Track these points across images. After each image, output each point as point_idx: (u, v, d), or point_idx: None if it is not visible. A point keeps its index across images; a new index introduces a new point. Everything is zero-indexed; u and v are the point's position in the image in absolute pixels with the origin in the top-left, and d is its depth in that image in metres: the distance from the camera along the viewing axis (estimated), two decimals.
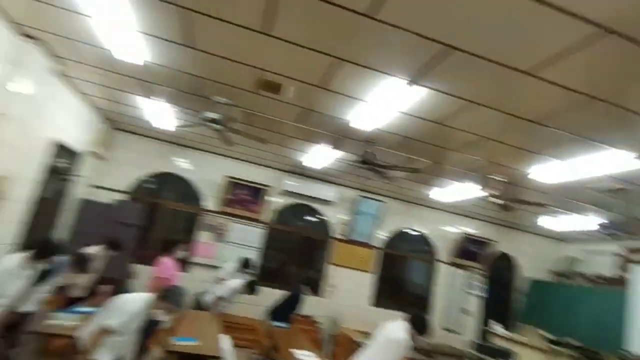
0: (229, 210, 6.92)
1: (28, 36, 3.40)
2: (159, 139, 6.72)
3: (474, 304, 7.88)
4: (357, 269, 7.44)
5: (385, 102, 3.34)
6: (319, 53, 2.83)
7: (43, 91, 3.86)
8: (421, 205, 7.82)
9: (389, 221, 7.64)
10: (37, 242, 3.07)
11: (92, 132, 5.67)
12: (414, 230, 7.94)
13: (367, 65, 2.89)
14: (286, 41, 2.75)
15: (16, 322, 3.28)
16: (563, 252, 8.32)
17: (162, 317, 2.75)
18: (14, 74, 3.36)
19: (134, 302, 2.68)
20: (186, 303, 2.88)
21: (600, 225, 5.37)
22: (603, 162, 3.66)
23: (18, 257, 2.78)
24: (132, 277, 6.09)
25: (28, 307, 3.29)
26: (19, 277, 2.75)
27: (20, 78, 3.41)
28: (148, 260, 6.38)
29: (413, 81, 2.95)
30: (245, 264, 5.51)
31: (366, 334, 6.67)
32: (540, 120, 3.18)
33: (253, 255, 6.69)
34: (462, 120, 3.51)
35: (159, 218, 6.86)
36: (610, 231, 5.36)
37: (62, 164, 5.01)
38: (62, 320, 3.00)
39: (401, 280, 7.99)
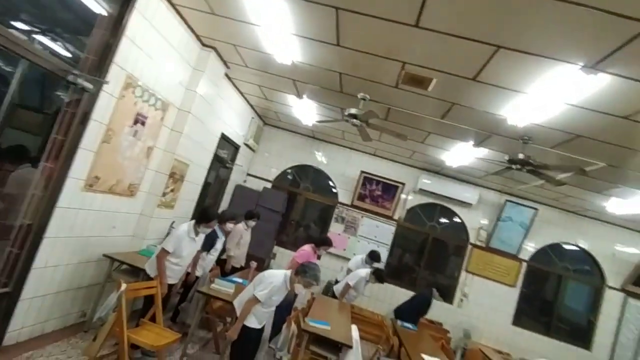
0: (361, 204, 7.03)
1: (208, 46, 4.05)
2: (301, 134, 7.26)
3: None
4: (498, 281, 6.69)
5: (552, 93, 2.86)
6: (472, 41, 2.57)
7: (216, 92, 4.55)
8: (586, 216, 6.55)
9: (541, 231, 6.64)
10: (200, 210, 3.66)
11: (247, 127, 6.47)
12: (575, 246, 6.70)
13: (532, 52, 2.50)
14: (434, 31, 2.59)
15: (190, 283, 3.99)
16: None
17: (301, 290, 2.97)
18: (198, 78, 4.05)
19: (277, 276, 2.95)
20: (321, 282, 3.04)
21: None
22: None
23: (188, 224, 3.35)
24: (273, 257, 6.78)
25: (198, 271, 3.97)
26: (190, 242, 3.32)
27: (202, 82, 4.09)
28: (287, 244, 7.03)
29: (590, 67, 2.44)
30: (373, 256, 5.51)
31: (506, 355, 5.98)
32: None
33: (382, 251, 6.68)
34: None
35: (298, 207, 7.43)
36: None
37: (224, 154, 5.85)
38: (221, 287, 3.50)
39: (552, 301, 6.85)
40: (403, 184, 6.86)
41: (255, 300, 2.88)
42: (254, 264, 4.57)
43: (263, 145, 7.33)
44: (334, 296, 5.20)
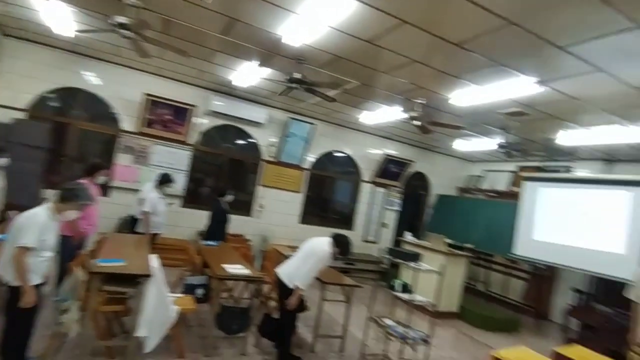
0: (149, 131, 6.47)
1: None
2: (61, 49, 5.80)
3: (391, 218, 8.78)
4: (287, 190, 7.70)
5: (317, 14, 3.21)
6: None
7: None
8: (349, 128, 8.07)
9: (318, 143, 7.83)
10: None
11: None
12: (342, 153, 8.28)
13: None
14: None
15: None
16: (468, 171, 9.42)
17: (74, 215, 2.74)
18: None
19: (39, 214, 2.53)
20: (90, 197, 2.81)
21: (499, 145, 6.07)
22: (510, 87, 4.05)
23: None
24: (43, 203, 5.62)
25: None
26: None
27: None
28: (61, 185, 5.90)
29: None
30: (163, 179, 5.28)
31: (294, 248, 7.20)
32: (463, 43, 3.34)
33: (180, 178, 6.53)
34: (391, 40, 3.54)
35: (70, 140, 6.21)
36: (506, 151, 6.10)
37: None
38: None
39: (328, 199, 8.48)
40: (194, 106, 6.62)
41: (24, 249, 2.42)
42: (13, 214, 3.70)
43: (6, 63, 5.53)
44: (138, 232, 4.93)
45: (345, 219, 8.46)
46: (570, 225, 5.94)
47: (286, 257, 4.10)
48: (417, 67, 4.06)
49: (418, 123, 5.16)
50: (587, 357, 4.62)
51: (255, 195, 7.50)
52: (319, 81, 4.26)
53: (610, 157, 6.52)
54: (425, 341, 3.67)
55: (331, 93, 5.14)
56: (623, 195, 5.39)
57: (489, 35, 3.10)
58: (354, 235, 8.35)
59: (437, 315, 5.82)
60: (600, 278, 5.90)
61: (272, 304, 4.16)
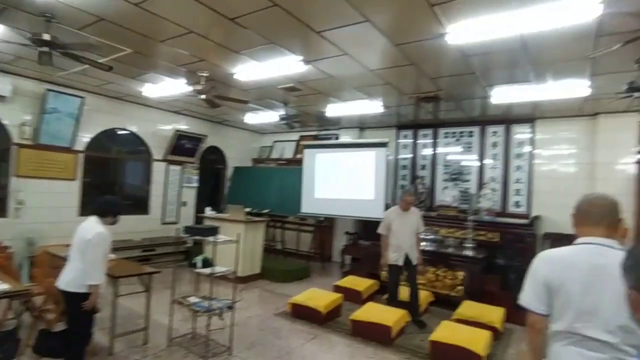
0: None
1: None
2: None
3: (191, 195, 8.57)
4: (56, 178, 6.36)
5: None
6: None
7: None
8: (132, 102, 7.23)
9: (91, 120, 6.71)
10: None
11: None
12: (125, 130, 7.38)
13: None
14: None
15: None
16: (260, 143, 10.09)
17: None
18: None
19: None
20: None
21: (280, 117, 6.76)
22: (282, 65, 4.51)
23: None
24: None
25: None
26: None
27: None
28: None
29: None
30: None
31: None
32: (238, 19, 3.47)
33: None
34: (162, 6, 3.34)
35: None
36: (287, 122, 6.86)
37: None
38: None
39: (114, 183, 7.49)
40: None
41: None
42: None
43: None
44: None
45: (139, 203, 7.71)
46: (339, 182, 7.32)
47: (63, 258, 3.48)
48: (197, 39, 3.97)
49: (204, 97, 5.12)
50: (356, 283, 5.91)
51: (10, 189, 5.89)
52: (75, 43, 3.60)
53: (362, 125, 8.22)
54: (230, 307, 3.89)
55: (106, 60, 4.46)
56: (370, 154, 7.00)
57: (259, 13, 3.33)
58: (151, 220, 7.79)
59: (241, 280, 6.21)
60: (361, 220, 7.55)
61: (50, 316, 3.50)
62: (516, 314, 4.69)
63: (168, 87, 5.88)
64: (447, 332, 3.96)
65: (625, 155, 5.71)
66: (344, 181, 7.28)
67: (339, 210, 7.33)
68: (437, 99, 5.70)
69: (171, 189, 8.14)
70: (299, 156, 8.83)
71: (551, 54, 3.86)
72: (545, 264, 1.59)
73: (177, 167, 8.24)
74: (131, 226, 7.16)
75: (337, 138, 8.64)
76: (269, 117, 7.53)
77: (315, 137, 8.97)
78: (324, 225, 8.44)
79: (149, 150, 7.77)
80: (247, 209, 7.58)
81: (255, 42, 3.97)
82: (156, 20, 3.58)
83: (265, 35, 3.79)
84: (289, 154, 9.47)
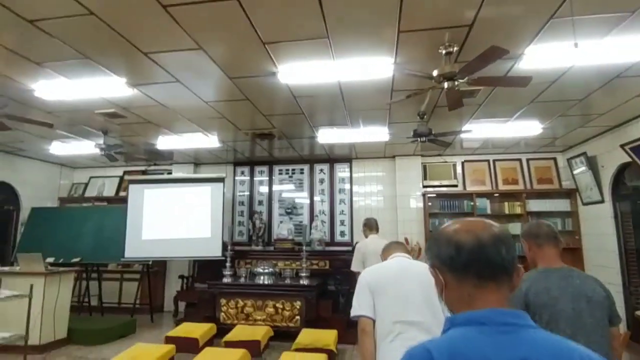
0: None
1: None
2: None
3: None
4: None
5: None
6: None
7: None
8: None
9: None
10: None
11: None
12: None
13: None
14: None
15: None
16: (71, 179, 8.49)
17: None
18: None
19: None
20: None
21: (99, 148, 5.82)
22: (101, 85, 3.98)
23: None
24: None
25: None
26: None
27: None
28: None
29: None
30: None
31: None
32: (39, 22, 2.91)
33: None
34: None
35: None
36: (108, 154, 5.92)
37: None
38: None
39: None
40: None
41: None
42: None
43: None
44: None
45: None
46: (172, 220, 6.74)
47: None
48: None
49: None
50: (191, 330, 5.38)
51: None
52: None
53: (197, 160, 7.90)
54: None
55: None
56: (206, 190, 6.75)
57: (70, 20, 2.87)
58: None
59: (40, 349, 4.88)
60: (197, 260, 7.06)
61: None
62: (347, 335, 5.12)
63: None
64: None
65: (415, 189, 7.18)
66: (177, 219, 6.72)
67: (171, 251, 6.66)
68: (272, 136, 6.00)
69: None
70: (122, 194, 7.78)
71: (361, 102, 4.60)
72: (367, 274, 2.15)
73: None
74: None
75: (169, 173, 8.03)
76: (84, 147, 6.42)
77: (144, 173, 8.11)
78: (154, 271, 7.49)
79: None
80: (50, 259, 6.13)
81: (63, 54, 3.39)
82: None
83: (77, 47, 3.28)
84: (109, 191, 8.22)
